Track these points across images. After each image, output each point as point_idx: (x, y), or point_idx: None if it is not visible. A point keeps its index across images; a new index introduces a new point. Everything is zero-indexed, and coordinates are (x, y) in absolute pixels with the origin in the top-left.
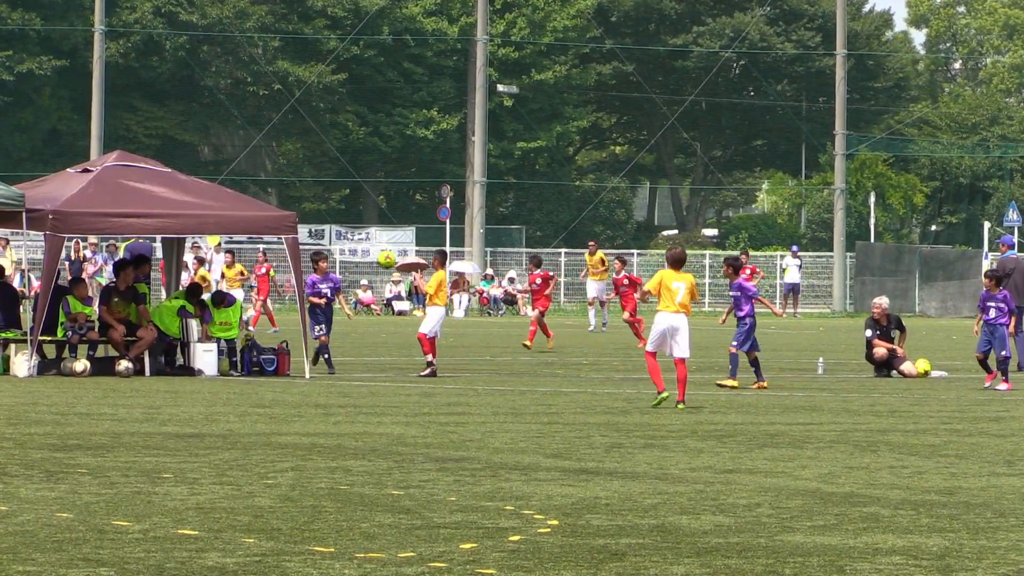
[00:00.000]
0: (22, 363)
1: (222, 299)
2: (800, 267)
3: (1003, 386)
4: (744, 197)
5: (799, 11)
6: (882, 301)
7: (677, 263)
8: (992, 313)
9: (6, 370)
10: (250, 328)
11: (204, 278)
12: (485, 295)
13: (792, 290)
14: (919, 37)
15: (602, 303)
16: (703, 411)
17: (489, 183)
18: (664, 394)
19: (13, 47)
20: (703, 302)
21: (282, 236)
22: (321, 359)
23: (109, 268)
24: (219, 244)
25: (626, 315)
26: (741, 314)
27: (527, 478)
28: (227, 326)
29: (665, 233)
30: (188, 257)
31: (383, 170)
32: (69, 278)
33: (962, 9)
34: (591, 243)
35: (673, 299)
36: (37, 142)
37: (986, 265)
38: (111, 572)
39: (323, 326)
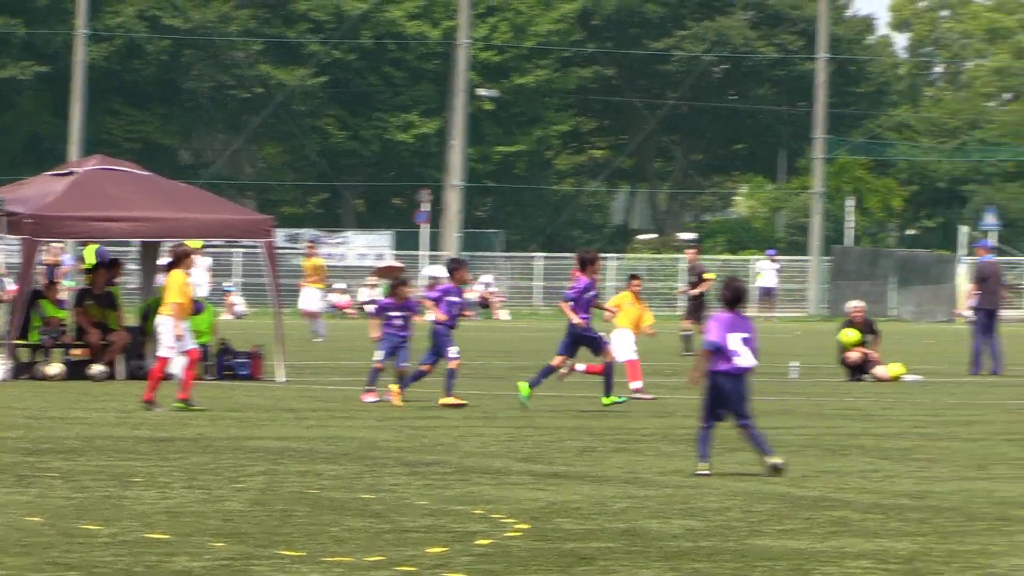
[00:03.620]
0: None
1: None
2: (778, 271)
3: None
4: (722, 201)
5: (782, 15)
6: (859, 305)
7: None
8: (399, 322)
9: None
10: None
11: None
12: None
13: (767, 294)
14: (901, 41)
15: (314, 315)
16: (675, 415)
17: (468, 187)
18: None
19: None
20: (676, 305)
21: (259, 240)
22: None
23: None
24: (201, 248)
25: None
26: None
27: (498, 482)
28: (197, 334)
29: (641, 237)
30: (164, 261)
31: (363, 174)
32: (44, 282)
33: (945, 13)
34: (308, 243)
35: None
36: (18, 146)
37: (961, 270)
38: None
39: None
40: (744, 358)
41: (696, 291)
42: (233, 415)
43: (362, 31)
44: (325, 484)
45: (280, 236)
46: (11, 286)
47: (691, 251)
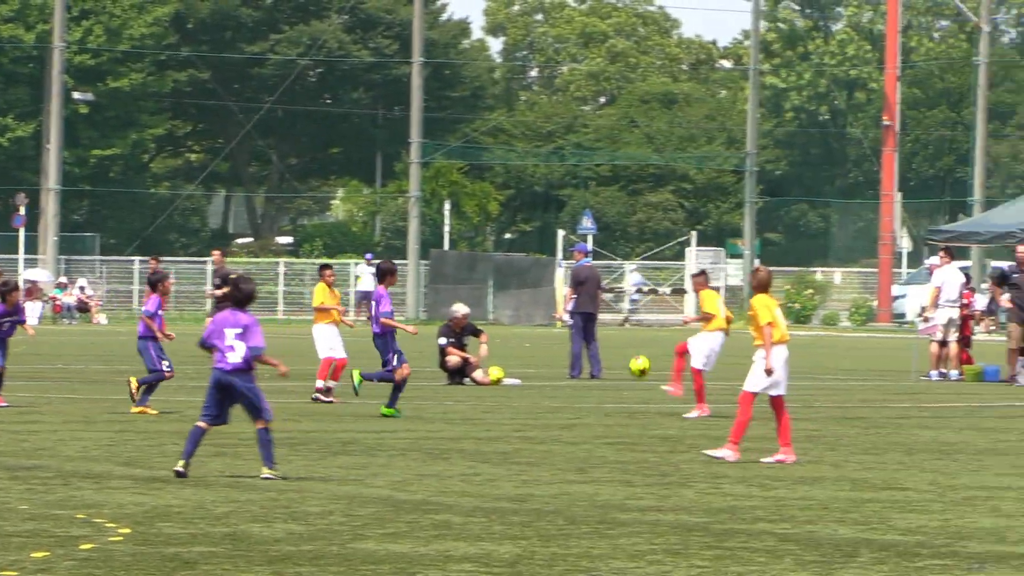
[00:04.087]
0: None
1: None
2: (375, 274)
3: None
4: (319, 205)
5: (377, 19)
6: (463, 309)
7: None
8: (7, 327)
9: None
10: None
11: None
12: (59, 303)
13: (366, 297)
14: (496, 45)
15: None
16: (276, 418)
17: (64, 191)
18: None
19: None
20: (278, 310)
21: None
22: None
23: None
24: None
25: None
26: None
27: (99, 486)
28: None
29: (239, 241)
30: None
31: None
32: None
33: (539, 17)
34: None
35: None
36: None
37: (560, 274)
38: None
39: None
40: (236, 354)
41: (220, 292)
42: None
43: None
44: None
45: None
46: None
47: (216, 253)
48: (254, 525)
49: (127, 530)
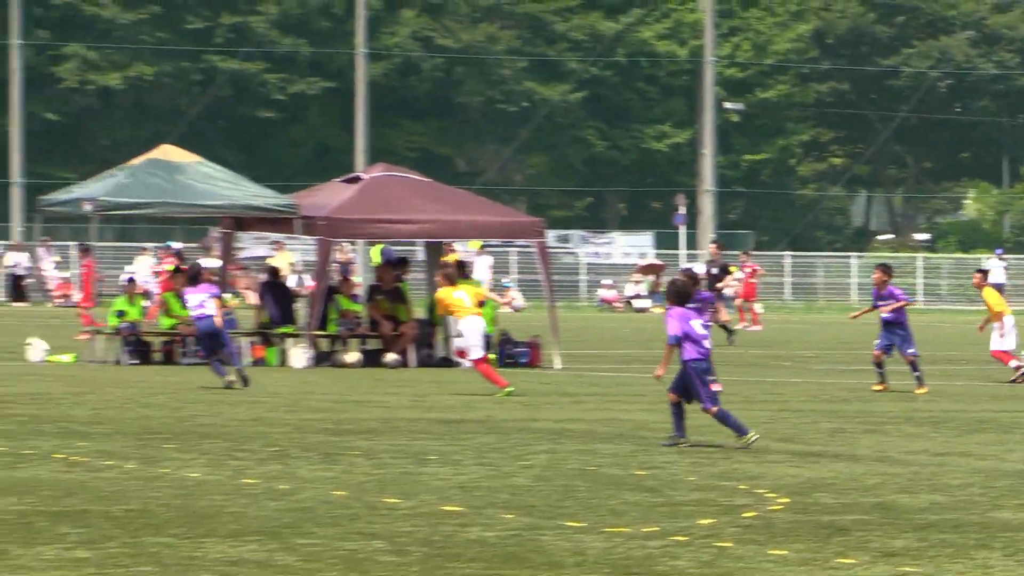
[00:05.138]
0: (299, 355)
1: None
2: (1006, 268)
3: None
4: (952, 204)
5: (999, 35)
6: None
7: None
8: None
9: (283, 362)
10: None
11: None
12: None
13: (997, 289)
14: None
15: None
16: (918, 400)
17: (719, 192)
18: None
19: (286, 69)
20: (916, 300)
21: (531, 240)
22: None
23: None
24: (482, 247)
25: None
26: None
27: (759, 460)
28: None
29: (880, 237)
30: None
31: (623, 180)
32: (339, 279)
33: None
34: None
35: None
36: (307, 156)
37: None
38: (383, 544)
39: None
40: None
41: (721, 284)
42: (516, 399)
43: (617, 50)
44: (602, 462)
45: (550, 236)
46: (309, 282)
47: (713, 246)
48: (901, 496)
49: (786, 500)
